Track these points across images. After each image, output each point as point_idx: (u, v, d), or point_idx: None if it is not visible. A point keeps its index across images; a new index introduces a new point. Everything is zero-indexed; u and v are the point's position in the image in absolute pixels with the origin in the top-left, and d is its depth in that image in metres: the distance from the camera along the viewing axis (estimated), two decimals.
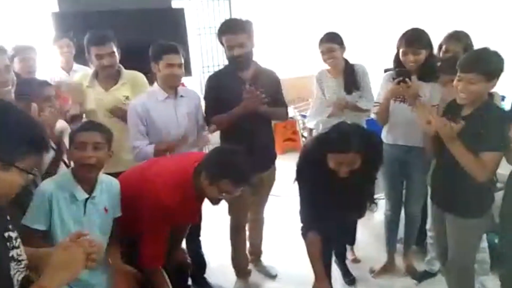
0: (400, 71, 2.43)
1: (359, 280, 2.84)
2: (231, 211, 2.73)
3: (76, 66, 3.32)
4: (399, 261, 2.92)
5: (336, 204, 1.99)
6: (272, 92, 2.49)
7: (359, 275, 2.88)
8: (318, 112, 2.91)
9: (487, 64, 1.82)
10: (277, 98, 2.58)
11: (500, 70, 1.82)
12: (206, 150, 2.82)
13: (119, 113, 2.54)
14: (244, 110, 2.37)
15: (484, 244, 2.41)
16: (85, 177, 1.73)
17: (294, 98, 5.19)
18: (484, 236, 2.36)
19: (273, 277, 2.96)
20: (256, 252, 3.02)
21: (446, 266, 2.23)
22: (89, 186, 1.74)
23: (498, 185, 2.14)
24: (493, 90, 1.97)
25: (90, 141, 1.70)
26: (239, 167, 1.78)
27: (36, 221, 1.64)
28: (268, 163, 2.69)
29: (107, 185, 1.82)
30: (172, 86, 2.41)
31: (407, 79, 2.31)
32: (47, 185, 1.68)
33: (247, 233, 2.90)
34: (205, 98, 2.58)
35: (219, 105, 2.45)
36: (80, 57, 3.06)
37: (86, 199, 1.72)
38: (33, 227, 1.63)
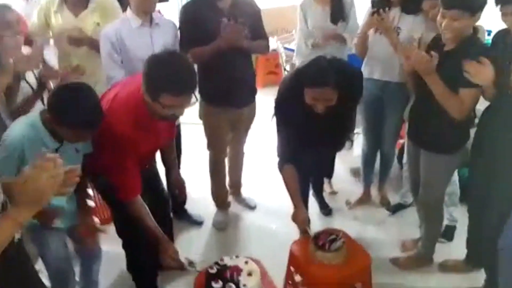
0: (376, 1, 2.34)
1: (335, 211, 2.95)
2: (209, 146, 2.72)
3: None
4: (374, 193, 3.02)
5: (313, 139, 2.00)
6: (252, 23, 2.37)
7: (335, 207, 2.98)
8: (303, 47, 2.81)
9: None
10: (257, 30, 2.46)
11: (484, 2, 1.74)
12: None
13: (76, 42, 2.39)
14: (224, 45, 2.26)
15: (455, 177, 2.49)
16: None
17: (277, 29, 5.01)
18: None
19: (252, 208, 3.03)
20: (236, 185, 3.07)
21: (417, 199, 2.32)
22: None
23: (477, 120, 2.16)
24: (478, 24, 1.91)
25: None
26: (174, 76, 1.57)
27: (5, 169, 1.53)
28: (248, 98, 2.63)
29: None
30: (146, 12, 2.26)
31: (381, 11, 2.22)
32: (18, 134, 1.58)
33: (227, 166, 2.92)
34: (180, 29, 2.43)
35: (196, 37, 2.31)
36: None
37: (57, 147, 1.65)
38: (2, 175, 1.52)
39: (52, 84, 2.29)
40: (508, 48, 1.69)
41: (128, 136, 1.68)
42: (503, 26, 1.77)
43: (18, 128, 1.62)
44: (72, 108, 1.50)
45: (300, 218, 1.97)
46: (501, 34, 1.81)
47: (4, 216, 1.02)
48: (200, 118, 2.66)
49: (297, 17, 2.85)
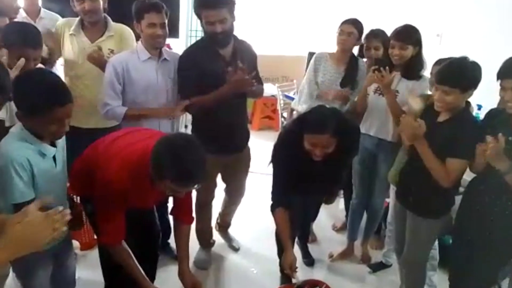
0: (378, 59, 2.47)
1: (317, 262, 2.93)
2: (198, 189, 2.69)
3: (44, 12, 2.89)
4: (358, 248, 3.02)
5: (307, 185, 2.04)
6: (251, 67, 2.36)
7: (317, 257, 2.96)
8: (310, 96, 2.83)
9: (461, 78, 1.84)
10: (255, 75, 2.41)
11: (476, 81, 1.84)
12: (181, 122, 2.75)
13: (96, 60, 2.41)
14: (231, 91, 2.25)
15: (436, 242, 2.51)
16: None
17: (279, 76, 5.16)
18: None
19: (236, 249, 3.01)
20: (225, 224, 3.05)
21: (401, 259, 2.33)
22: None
23: (461, 189, 2.22)
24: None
25: (67, 115, 1.53)
26: (182, 170, 1.50)
27: (28, 193, 1.48)
28: (244, 143, 2.65)
29: None
30: (155, 47, 2.33)
31: (381, 68, 2.35)
32: (19, 152, 1.48)
33: (220, 207, 2.92)
34: (179, 74, 2.37)
35: (196, 84, 2.29)
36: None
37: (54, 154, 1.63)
38: (27, 199, 1.45)
39: None
40: (501, 126, 1.77)
41: (119, 188, 1.63)
42: (492, 100, 1.86)
43: (8, 143, 1.51)
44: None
45: (288, 261, 1.96)
46: (495, 112, 1.90)
47: None
48: None
49: (309, 67, 2.87)
